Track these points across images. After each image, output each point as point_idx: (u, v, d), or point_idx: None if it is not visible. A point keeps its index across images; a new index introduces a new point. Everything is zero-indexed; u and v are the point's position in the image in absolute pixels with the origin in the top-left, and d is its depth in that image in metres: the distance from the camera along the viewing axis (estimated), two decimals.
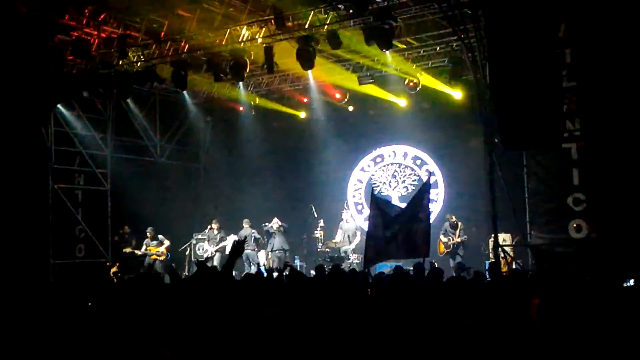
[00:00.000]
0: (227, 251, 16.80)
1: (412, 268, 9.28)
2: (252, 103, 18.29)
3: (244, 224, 16.59)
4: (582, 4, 10.97)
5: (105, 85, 15.75)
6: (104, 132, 17.36)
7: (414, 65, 15.31)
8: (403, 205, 11.06)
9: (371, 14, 12.25)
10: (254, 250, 16.35)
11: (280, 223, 16.25)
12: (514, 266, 12.36)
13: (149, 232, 16.50)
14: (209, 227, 17.04)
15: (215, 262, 16.30)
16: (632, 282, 6.90)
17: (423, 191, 10.40)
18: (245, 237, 15.44)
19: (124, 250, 16.45)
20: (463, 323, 5.41)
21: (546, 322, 5.30)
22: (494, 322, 5.63)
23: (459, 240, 14.91)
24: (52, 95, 15.69)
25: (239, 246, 6.41)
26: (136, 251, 16.44)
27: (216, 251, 16.73)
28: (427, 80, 15.64)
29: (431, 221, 15.58)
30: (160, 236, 16.48)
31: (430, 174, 10.93)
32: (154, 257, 16.24)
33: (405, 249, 9.97)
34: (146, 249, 16.37)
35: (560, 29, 10.85)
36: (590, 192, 11.50)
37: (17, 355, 6.28)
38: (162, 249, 16.34)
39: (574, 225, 11.68)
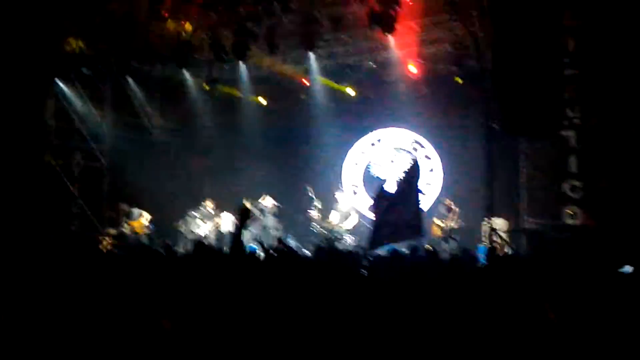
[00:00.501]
0: (222, 228, 16.89)
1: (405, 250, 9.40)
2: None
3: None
4: None
5: (105, 62, 15.74)
6: (102, 108, 17.34)
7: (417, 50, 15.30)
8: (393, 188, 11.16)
9: None
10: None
11: (274, 202, 16.28)
12: (507, 251, 12.48)
13: (124, 207, 16.47)
14: (203, 205, 17.03)
15: (212, 240, 16.41)
16: (630, 269, 7.00)
17: (409, 175, 10.53)
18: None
19: (122, 229, 16.40)
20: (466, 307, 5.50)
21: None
22: (494, 306, 5.73)
23: (454, 225, 15.01)
24: (51, 71, 15.65)
25: (245, 215, 6.45)
26: (121, 230, 16.38)
27: (212, 227, 16.76)
28: (427, 65, 15.66)
29: (428, 205, 15.80)
30: (135, 210, 16.43)
31: (416, 161, 11.07)
32: (140, 230, 16.20)
33: (401, 232, 10.14)
34: (128, 225, 16.31)
35: (564, 16, 10.88)
36: (587, 180, 11.61)
37: (15, 329, 6.35)
38: (145, 222, 16.30)
39: (569, 212, 11.80)
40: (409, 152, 17.85)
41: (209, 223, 16.85)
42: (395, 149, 18.13)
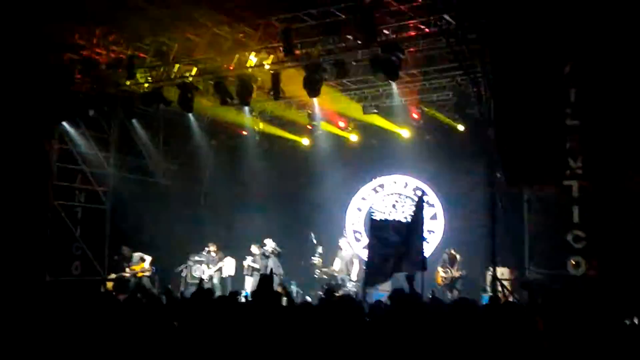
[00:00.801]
0: (224, 273, 16.81)
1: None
2: (256, 128, 18.41)
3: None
4: (588, 44, 11.12)
5: (111, 105, 15.89)
6: (107, 150, 17.43)
7: (419, 97, 15.45)
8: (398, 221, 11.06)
9: (379, 45, 12.42)
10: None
11: (274, 245, 16.23)
12: (510, 300, 12.35)
13: (125, 251, 16.42)
14: (207, 250, 17.00)
15: (215, 284, 16.33)
16: (636, 320, 6.91)
17: (416, 210, 10.47)
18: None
19: (123, 274, 16.33)
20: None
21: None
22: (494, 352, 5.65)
23: (457, 274, 14.92)
24: (58, 113, 15.78)
25: (267, 282, 6.46)
26: (123, 275, 16.32)
27: (215, 272, 16.74)
28: (432, 113, 15.79)
29: (431, 251, 15.71)
30: (138, 254, 16.38)
31: (423, 193, 11.03)
32: (140, 274, 16.16)
33: (401, 264, 10.05)
34: (130, 269, 16.25)
35: (566, 66, 10.99)
36: (590, 230, 11.55)
37: None
38: (146, 265, 16.27)
39: (573, 262, 11.71)
40: (411, 199, 17.84)
41: (212, 267, 16.79)
42: (397, 194, 18.15)
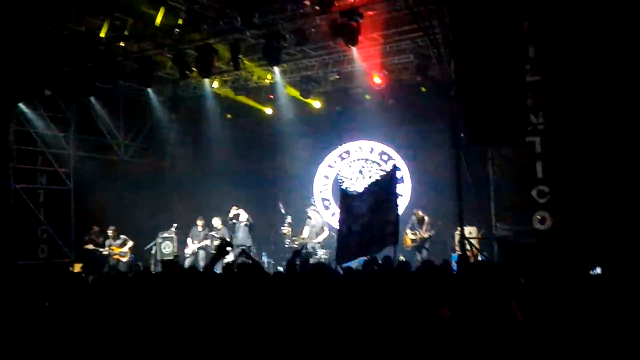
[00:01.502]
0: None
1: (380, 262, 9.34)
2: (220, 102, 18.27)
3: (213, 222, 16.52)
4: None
5: (67, 83, 15.55)
6: (66, 130, 17.12)
7: (381, 61, 15.37)
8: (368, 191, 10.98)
9: (338, 10, 12.30)
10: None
11: (247, 217, 16.12)
12: (479, 258, 12.53)
13: (111, 231, 16.24)
14: (194, 224, 16.82)
15: (200, 260, 16.20)
16: (598, 270, 7.06)
17: (387, 181, 10.46)
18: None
19: (86, 246, 16.14)
20: (439, 313, 5.48)
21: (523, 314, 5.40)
22: (468, 311, 5.71)
23: (425, 235, 15.05)
24: (14, 94, 15.40)
25: (224, 247, 6.39)
26: (100, 249, 16.17)
27: (199, 248, 16.52)
28: (392, 75, 15.76)
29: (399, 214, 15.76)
30: (123, 236, 16.25)
31: (395, 166, 11.01)
32: (117, 257, 16.03)
33: (373, 242, 10.06)
34: (109, 249, 16.13)
35: (524, 23, 11.01)
36: (554, 185, 11.72)
37: None
38: (126, 249, 16.12)
39: (538, 217, 11.88)
40: (378, 164, 17.91)
41: (196, 243, 16.61)
42: (363, 160, 18.18)
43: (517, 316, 5.44)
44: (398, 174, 17.19)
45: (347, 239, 10.15)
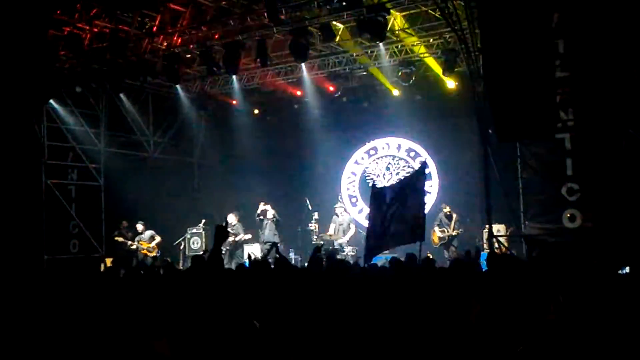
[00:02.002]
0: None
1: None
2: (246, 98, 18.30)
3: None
4: None
5: (97, 80, 15.75)
6: (97, 127, 17.32)
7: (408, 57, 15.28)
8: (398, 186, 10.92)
9: (364, 6, 12.26)
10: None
11: (274, 213, 16.12)
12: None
13: (140, 226, 16.37)
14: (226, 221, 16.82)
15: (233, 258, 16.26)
16: (627, 269, 6.95)
17: (415, 177, 10.38)
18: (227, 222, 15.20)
19: (115, 238, 16.30)
20: (467, 310, 5.44)
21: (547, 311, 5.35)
22: (497, 308, 5.66)
23: (453, 233, 14.93)
24: (45, 91, 15.62)
25: (222, 231, 6.37)
26: (129, 242, 16.30)
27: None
28: (421, 71, 15.67)
29: (426, 211, 15.69)
30: (151, 231, 16.33)
31: (424, 162, 10.90)
32: (145, 252, 16.15)
33: (399, 236, 10.00)
34: (138, 243, 16.25)
35: (553, 18, 10.85)
36: (584, 182, 11.54)
37: (12, 352, 6.28)
38: (154, 244, 16.23)
39: (568, 215, 11.71)
40: (405, 160, 17.82)
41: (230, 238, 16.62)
42: (391, 157, 18.11)
43: (550, 314, 5.39)
44: (426, 171, 17.22)
45: (377, 234, 10.11)
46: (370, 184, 10.92)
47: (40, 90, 15.55)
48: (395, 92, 16.64)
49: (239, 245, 16.46)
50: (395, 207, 10.01)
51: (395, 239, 9.99)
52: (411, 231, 9.86)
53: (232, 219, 16.36)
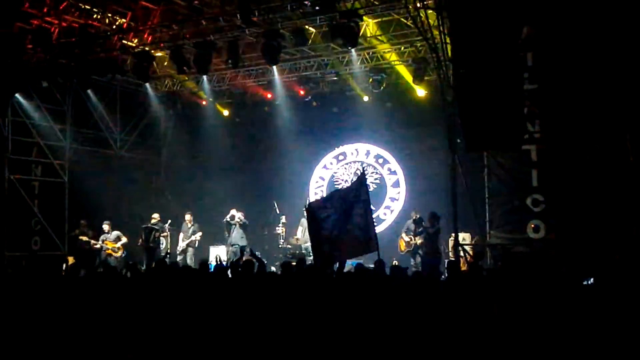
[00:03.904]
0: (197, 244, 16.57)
1: (372, 266, 9.32)
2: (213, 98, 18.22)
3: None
4: (544, 8, 11.16)
5: (65, 75, 15.50)
6: (62, 122, 17.05)
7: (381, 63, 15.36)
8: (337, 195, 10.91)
9: (338, 11, 12.29)
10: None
11: (240, 216, 16.07)
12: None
13: (106, 225, 16.09)
14: (183, 220, 16.77)
15: (188, 259, 16.10)
16: (592, 280, 7.07)
17: (357, 188, 10.40)
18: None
19: (80, 237, 15.97)
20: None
21: (508, 319, 5.41)
22: (455, 318, 5.72)
23: (419, 241, 14.93)
24: (10, 85, 15.34)
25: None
26: (92, 242, 15.98)
27: (187, 245, 16.42)
28: (392, 78, 15.76)
29: (392, 219, 15.75)
30: (117, 232, 16.06)
31: (364, 167, 10.92)
32: (109, 252, 15.88)
33: (353, 247, 10.04)
34: (103, 243, 15.98)
35: (522, 32, 11.01)
36: (549, 194, 11.72)
37: None
38: (119, 244, 15.96)
39: (532, 225, 11.89)
40: (373, 166, 17.89)
41: (185, 240, 16.54)
42: (359, 162, 18.16)
43: (498, 318, 5.46)
44: (393, 178, 17.35)
45: (320, 246, 10.10)
46: (306, 204, 10.76)
47: (6, 83, 15.28)
48: (366, 98, 16.71)
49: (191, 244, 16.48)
50: (336, 216, 10.02)
51: (349, 251, 10.02)
52: (365, 242, 9.92)
53: (155, 217, 16.28)
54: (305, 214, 16.01)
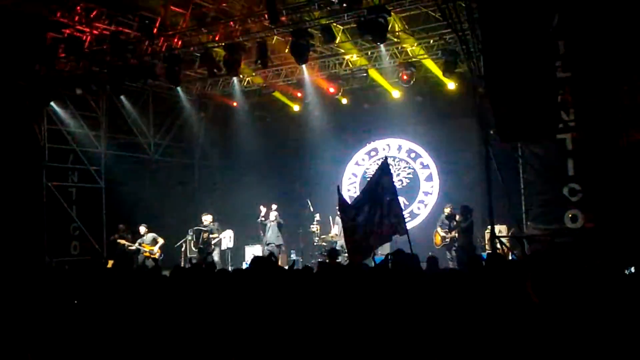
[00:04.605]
0: (223, 246, 16.66)
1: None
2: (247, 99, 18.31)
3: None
4: None
5: (98, 83, 15.74)
6: (97, 129, 17.33)
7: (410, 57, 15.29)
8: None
9: (365, 7, 12.26)
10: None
11: (276, 215, 16.13)
12: (510, 257, 12.39)
13: (143, 228, 16.30)
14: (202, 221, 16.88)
15: (215, 258, 16.22)
16: (632, 269, 6.95)
17: (381, 177, 10.34)
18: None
19: (117, 240, 16.18)
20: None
21: (548, 309, 5.34)
22: (493, 309, 5.66)
23: (455, 235, 14.86)
24: (45, 93, 15.64)
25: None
26: (128, 244, 16.16)
27: (214, 245, 16.44)
28: (422, 72, 15.67)
29: (427, 214, 15.67)
30: (153, 234, 16.23)
31: (385, 158, 10.87)
32: (147, 254, 16.06)
33: (380, 235, 10.01)
34: (140, 246, 16.16)
35: (553, 19, 10.85)
36: (586, 182, 11.53)
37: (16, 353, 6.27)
38: (156, 248, 16.11)
39: (570, 215, 11.70)
40: (406, 161, 17.82)
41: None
42: (391, 158, 18.09)
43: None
44: (426, 172, 17.26)
45: (355, 241, 10.09)
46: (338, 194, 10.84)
47: (41, 92, 15.57)
48: (396, 94, 16.63)
49: (215, 244, 16.39)
50: (368, 211, 10.00)
51: (380, 238, 10.00)
52: (392, 226, 9.88)
53: (207, 219, 16.34)
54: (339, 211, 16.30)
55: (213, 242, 16.26)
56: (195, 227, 16.28)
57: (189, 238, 16.97)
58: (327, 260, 10.25)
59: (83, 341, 6.45)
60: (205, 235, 16.11)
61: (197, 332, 6.21)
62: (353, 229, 9.98)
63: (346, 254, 15.16)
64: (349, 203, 10.43)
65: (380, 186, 10.05)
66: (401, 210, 10.05)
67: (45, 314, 7.16)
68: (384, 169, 10.29)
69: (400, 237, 9.76)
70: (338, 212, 15.85)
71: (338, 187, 11.73)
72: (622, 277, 6.75)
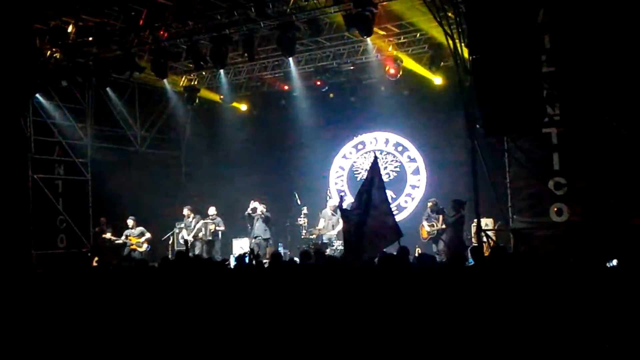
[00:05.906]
0: (203, 236, 16.62)
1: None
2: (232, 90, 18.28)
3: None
4: None
5: (83, 74, 15.63)
6: (83, 121, 17.26)
7: (395, 52, 15.30)
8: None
9: (351, 0, 12.24)
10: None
11: (262, 209, 16.15)
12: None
13: (130, 221, 16.28)
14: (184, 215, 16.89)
15: (197, 251, 16.17)
16: (614, 262, 7.02)
17: (373, 177, 10.42)
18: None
19: (102, 235, 16.18)
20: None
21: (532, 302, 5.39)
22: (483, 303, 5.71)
23: (442, 226, 14.91)
24: (30, 85, 15.53)
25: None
26: (113, 237, 16.12)
27: (195, 239, 16.44)
28: (408, 66, 15.68)
29: (413, 207, 15.73)
30: (141, 228, 16.24)
31: (375, 157, 10.96)
32: (134, 247, 16.03)
33: (383, 239, 10.08)
34: (126, 238, 16.14)
35: (539, 14, 10.89)
36: (571, 176, 11.60)
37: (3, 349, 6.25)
38: (143, 239, 16.11)
39: (555, 209, 11.78)
40: (393, 155, 17.85)
41: (190, 233, 16.61)
42: (378, 151, 18.11)
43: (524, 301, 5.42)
44: (413, 165, 17.30)
45: (353, 240, 10.17)
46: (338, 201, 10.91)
47: (26, 84, 15.46)
48: (383, 87, 16.65)
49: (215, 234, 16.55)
50: (362, 211, 10.07)
51: (381, 241, 10.07)
52: (391, 231, 9.95)
53: (212, 211, 16.51)
54: (327, 204, 16.34)
55: (219, 234, 16.48)
56: (203, 221, 16.35)
57: (177, 231, 16.99)
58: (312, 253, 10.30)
59: (71, 336, 6.45)
60: (212, 227, 16.32)
61: (187, 322, 6.22)
62: (357, 229, 10.06)
63: (334, 247, 15.30)
64: (349, 209, 10.57)
65: (374, 186, 10.13)
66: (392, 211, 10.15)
67: (32, 310, 7.15)
68: (375, 167, 10.35)
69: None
70: (332, 211, 16.02)
71: (341, 196, 11.91)
72: (604, 270, 6.82)
